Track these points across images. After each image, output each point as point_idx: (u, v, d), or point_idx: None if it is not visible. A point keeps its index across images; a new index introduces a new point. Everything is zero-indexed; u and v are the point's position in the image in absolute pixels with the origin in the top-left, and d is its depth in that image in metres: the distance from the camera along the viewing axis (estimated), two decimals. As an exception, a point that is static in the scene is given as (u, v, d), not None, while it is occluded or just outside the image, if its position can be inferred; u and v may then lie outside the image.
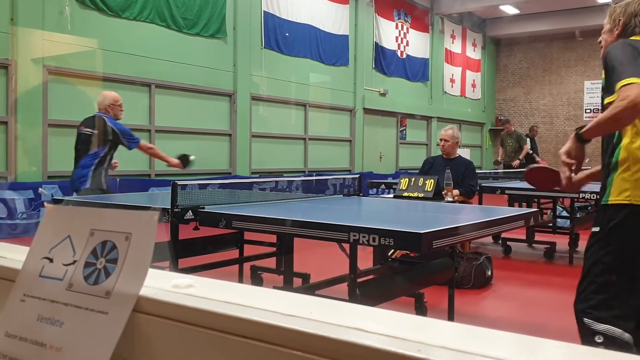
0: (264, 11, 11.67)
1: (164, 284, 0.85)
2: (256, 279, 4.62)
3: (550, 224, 7.26)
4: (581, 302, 2.41)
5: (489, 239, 7.27)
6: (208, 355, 0.74)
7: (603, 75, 2.40)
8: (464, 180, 5.78)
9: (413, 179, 5.06)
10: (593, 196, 5.95)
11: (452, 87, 18.52)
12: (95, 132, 5.44)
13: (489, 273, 5.17)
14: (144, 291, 0.81)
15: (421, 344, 0.61)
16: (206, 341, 0.74)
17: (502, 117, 20.78)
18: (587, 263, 2.44)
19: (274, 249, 4.51)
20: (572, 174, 2.51)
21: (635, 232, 2.32)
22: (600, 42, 2.67)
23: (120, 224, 0.88)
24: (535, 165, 3.17)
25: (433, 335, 0.65)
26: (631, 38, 2.46)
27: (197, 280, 0.87)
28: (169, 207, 3.32)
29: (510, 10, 18.34)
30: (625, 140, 2.34)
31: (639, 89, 2.12)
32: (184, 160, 5.62)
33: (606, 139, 2.48)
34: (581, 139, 2.37)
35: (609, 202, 2.36)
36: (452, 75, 18.52)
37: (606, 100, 2.31)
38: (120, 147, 5.60)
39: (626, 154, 2.33)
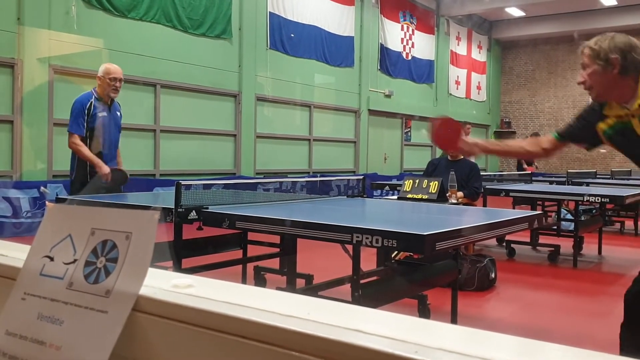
0: (269, 12, 11.68)
1: (164, 284, 0.85)
2: (259, 280, 4.63)
3: (555, 227, 7.24)
4: None
5: (493, 241, 7.25)
6: (206, 355, 0.74)
7: None
8: (468, 182, 5.77)
9: (417, 181, 5.05)
10: (597, 199, 5.94)
11: (457, 89, 18.50)
12: None
13: (493, 275, 5.15)
14: (144, 290, 0.81)
15: (419, 346, 0.61)
16: (205, 341, 0.74)
17: (506, 120, 20.76)
18: None
19: (278, 249, 4.51)
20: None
21: None
22: (585, 82, 2.52)
23: (121, 224, 0.88)
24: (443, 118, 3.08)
25: (431, 337, 0.64)
26: None
27: (197, 280, 0.87)
28: (173, 207, 3.32)
29: (515, 12, 18.31)
30: None
31: None
32: (118, 176, 4.95)
33: None
34: None
35: None
36: (458, 77, 18.50)
37: None
38: (122, 141, 5.28)
39: None
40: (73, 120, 4.84)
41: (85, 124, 4.84)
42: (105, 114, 4.94)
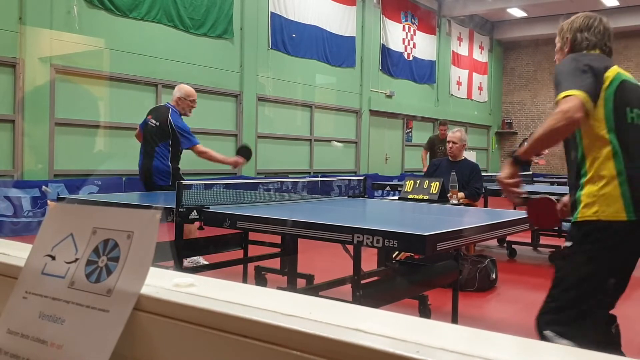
0: (270, 12, 11.69)
1: (165, 283, 0.85)
2: (260, 280, 4.63)
3: (556, 228, 7.23)
4: (546, 314, 2.40)
5: (494, 242, 7.25)
6: (208, 354, 0.74)
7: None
8: (469, 182, 5.77)
9: (418, 181, 5.05)
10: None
11: (458, 89, 18.49)
12: (158, 123, 5.33)
13: (494, 276, 5.15)
14: (145, 290, 0.81)
15: (420, 346, 0.61)
16: (206, 340, 0.74)
17: (507, 120, 20.73)
18: (557, 275, 2.41)
19: (279, 249, 4.51)
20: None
21: (604, 249, 2.29)
22: (556, 62, 2.64)
23: (123, 223, 0.88)
24: (537, 198, 2.89)
25: (432, 337, 0.64)
26: (581, 53, 2.47)
27: (198, 280, 0.87)
28: (174, 206, 3.32)
29: (517, 13, 18.30)
30: (589, 158, 2.33)
31: (575, 101, 2.13)
32: (245, 152, 5.30)
33: (570, 156, 2.45)
34: (519, 161, 2.33)
35: (578, 220, 2.34)
36: (459, 77, 18.49)
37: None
38: (124, 140, 5.53)
39: (592, 171, 2.31)
40: (191, 135, 5.30)
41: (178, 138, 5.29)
42: None
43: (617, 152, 2.27)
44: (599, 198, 2.27)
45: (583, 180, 2.34)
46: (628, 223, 2.24)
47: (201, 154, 5.37)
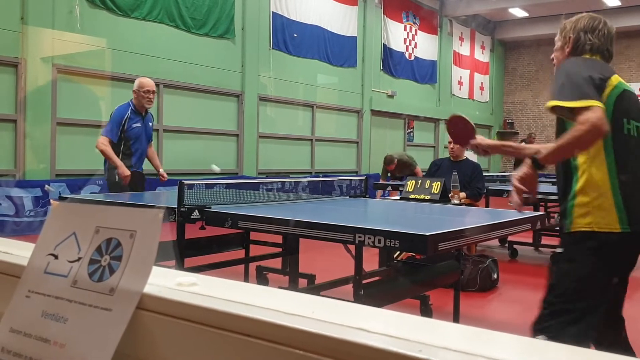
0: (272, 12, 11.69)
1: (168, 282, 0.85)
2: (262, 279, 4.63)
3: (557, 228, 7.22)
4: (540, 320, 2.42)
5: (495, 242, 7.24)
6: (210, 353, 0.74)
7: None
8: (470, 182, 5.77)
9: (420, 181, 5.06)
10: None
11: (460, 89, 18.48)
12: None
13: (495, 276, 5.15)
14: (148, 289, 0.81)
15: (423, 345, 0.61)
16: (209, 339, 0.74)
17: (509, 120, 20.71)
18: (551, 282, 2.42)
19: (280, 249, 4.51)
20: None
21: (597, 258, 2.28)
22: (553, 59, 2.58)
23: (125, 222, 0.88)
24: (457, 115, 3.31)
25: (435, 336, 0.64)
26: (584, 56, 2.41)
27: (201, 279, 0.87)
28: (176, 206, 3.33)
29: (519, 13, 18.29)
30: (582, 167, 2.28)
31: (601, 112, 2.07)
32: (136, 178, 5.22)
33: (562, 164, 2.40)
34: (538, 165, 2.25)
35: (572, 230, 2.32)
36: (460, 77, 18.48)
37: (559, 103, 2.18)
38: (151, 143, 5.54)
39: (584, 181, 2.27)
40: (109, 127, 5.15)
41: (119, 133, 5.14)
42: (139, 124, 5.27)
43: (611, 162, 2.24)
44: (592, 209, 2.25)
45: (575, 188, 2.30)
46: (621, 234, 2.24)
47: (99, 144, 5.09)
